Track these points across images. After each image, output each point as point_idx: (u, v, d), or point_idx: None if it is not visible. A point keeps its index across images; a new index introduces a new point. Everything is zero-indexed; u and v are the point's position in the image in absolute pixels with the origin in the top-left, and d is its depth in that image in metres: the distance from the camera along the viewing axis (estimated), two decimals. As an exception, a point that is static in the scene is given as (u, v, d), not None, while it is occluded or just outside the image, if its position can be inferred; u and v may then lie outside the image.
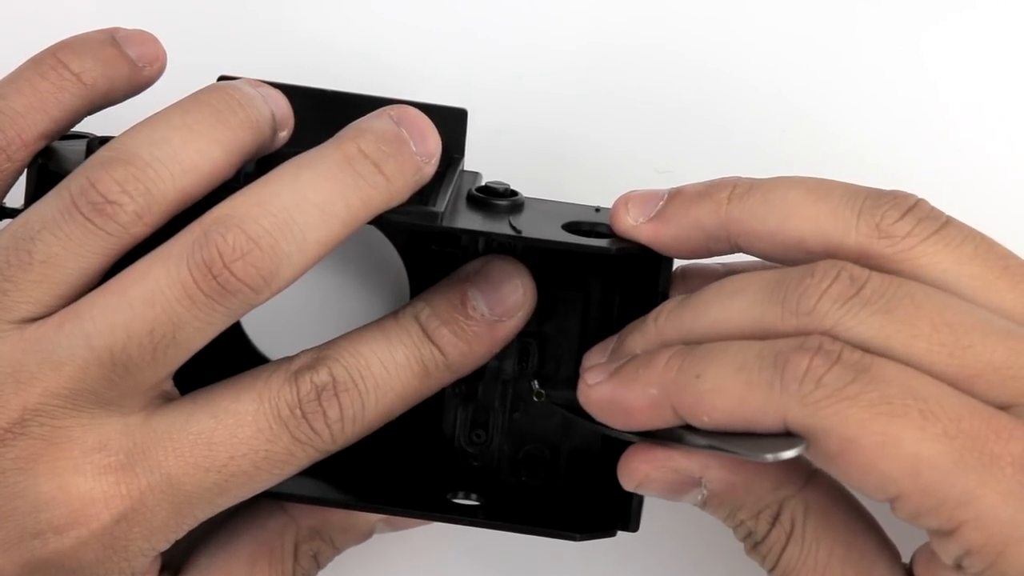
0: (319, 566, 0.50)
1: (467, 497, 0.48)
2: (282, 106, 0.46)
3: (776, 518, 0.43)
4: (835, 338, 0.40)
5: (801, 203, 0.43)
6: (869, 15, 0.55)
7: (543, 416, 0.50)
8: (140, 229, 0.43)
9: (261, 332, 0.53)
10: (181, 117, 0.44)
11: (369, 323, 0.46)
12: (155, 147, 0.43)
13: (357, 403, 0.45)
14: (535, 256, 0.48)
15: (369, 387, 0.45)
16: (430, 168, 0.45)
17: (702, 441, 0.42)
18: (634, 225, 0.45)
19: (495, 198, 0.47)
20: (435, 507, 0.47)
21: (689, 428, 0.42)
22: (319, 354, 0.45)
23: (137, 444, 0.43)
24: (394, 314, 0.46)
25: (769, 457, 0.39)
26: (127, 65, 0.48)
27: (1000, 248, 0.42)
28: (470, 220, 0.46)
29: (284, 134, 0.47)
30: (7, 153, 0.46)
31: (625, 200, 0.45)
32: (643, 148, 0.55)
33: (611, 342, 0.46)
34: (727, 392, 0.41)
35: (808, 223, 0.43)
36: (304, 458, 0.45)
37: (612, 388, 0.43)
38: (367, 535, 0.50)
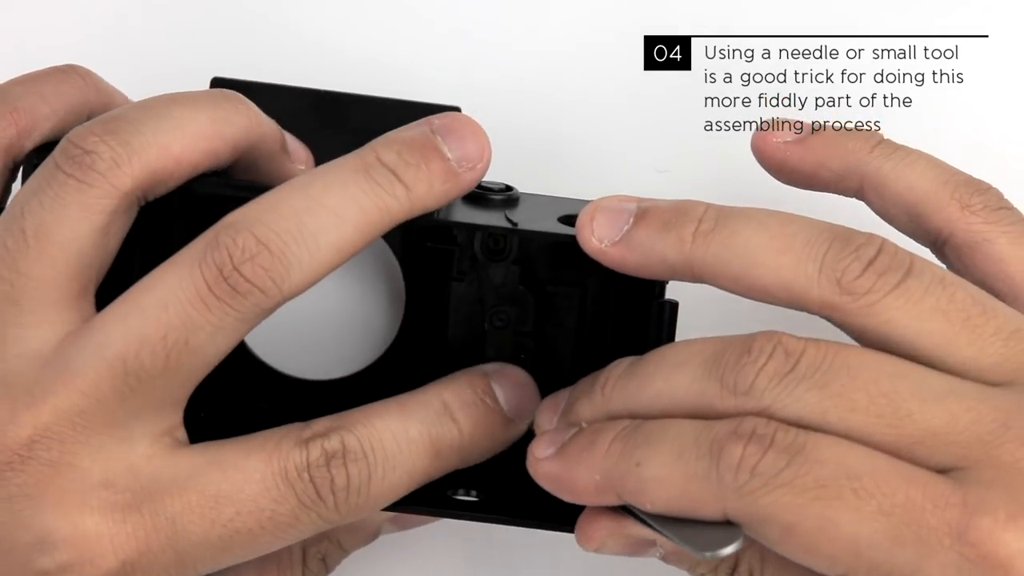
0: (328, 569, 0.50)
1: (467, 493, 0.48)
2: (296, 142, 0.48)
3: (734, 569, 0.44)
4: (771, 418, 0.40)
5: (764, 252, 0.42)
6: (871, 14, 0.55)
7: None
8: (121, 179, 0.43)
9: (259, 334, 0.53)
10: (175, 95, 0.45)
11: (389, 399, 0.46)
12: (139, 111, 0.44)
13: (364, 474, 0.44)
14: (531, 252, 0.48)
15: (378, 459, 0.44)
16: (471, 174, 0.44)
17: (648, 520, 0.42)
18: (599, 247, 0.44)
19: (490, 193, 0.47)
20: (436, 503, 0.47)
21: None
22: (333, 423, 0.45)
23: (144, 486, 0.43)
24: (414, 392, 0.46)
25: (708, 555, 0.40)
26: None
27: (963, 295, 0.42)
28: (466, 215, 0.46)
29: (302, 167, 0.47)
30: None
31: (590, 215, 0.44)
32: (643, 148, 0.55)
33: (562, 399, 0.46)
34: (667, 483, 0.41)
35: (771, 275, 0.42)
36: (308, 525, 0.44)
37: (558, 468, 0.43)
38: (374, 535, 0.50)
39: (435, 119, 0.45)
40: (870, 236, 0.42)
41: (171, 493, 0.43)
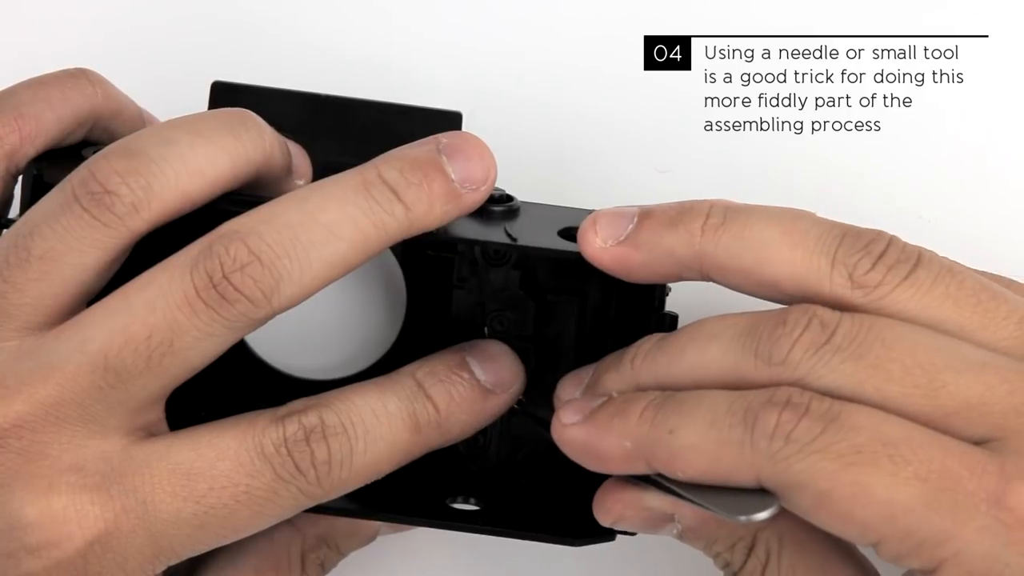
0: (324, 572, 0.50)
1: (466, 501, 0.48)
2: (299, 157, 0.47)
3: (751, 549, 0.44)
4: (805, 388, 0.40)
5: (777, 245, 0.42)
6: (871, 14, 0.55)
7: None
8: (137, 223, 0.43)
9: (261, 334, 0.53)
10: (193, 123, 0.45)
11: (365, 381, 0.46)
12: (162, 146, 0.43)
13: (345, 447, 0.44)
14: (531, 262, 0.48)
15: (359, 433, 0.44)
16: (473, 195, 0.44)
17: (678, 490, 0.42)
18: (603, 247, 0.44)
19: (491, 204, 0.47)
20: (435, 514, 0.47)
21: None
22: (310, 402, 0.45)
23: (114, 469, 0.43)
24: (388, 374, 0.46)
25: (742, 519, 0.40)
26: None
27: (972, 281, 0.42)
28: (466, 228, 0.46)
29: (301, 182, 0.47)
30: None
31: (593, 220, 0.44)
32: (643, 148, 0.55)
33: (586, 374, 0.45)
34: (700, 450, 0.41)
35: (784, 268, 0.42)
36: (288, 499, 0.44)
37: (586, 433, 0.43)
38: (371, 538, 0.50)
39: (443, 137, 0.45)
40: (879, 232, 0.43)
41: (141, 473, 0.43)
